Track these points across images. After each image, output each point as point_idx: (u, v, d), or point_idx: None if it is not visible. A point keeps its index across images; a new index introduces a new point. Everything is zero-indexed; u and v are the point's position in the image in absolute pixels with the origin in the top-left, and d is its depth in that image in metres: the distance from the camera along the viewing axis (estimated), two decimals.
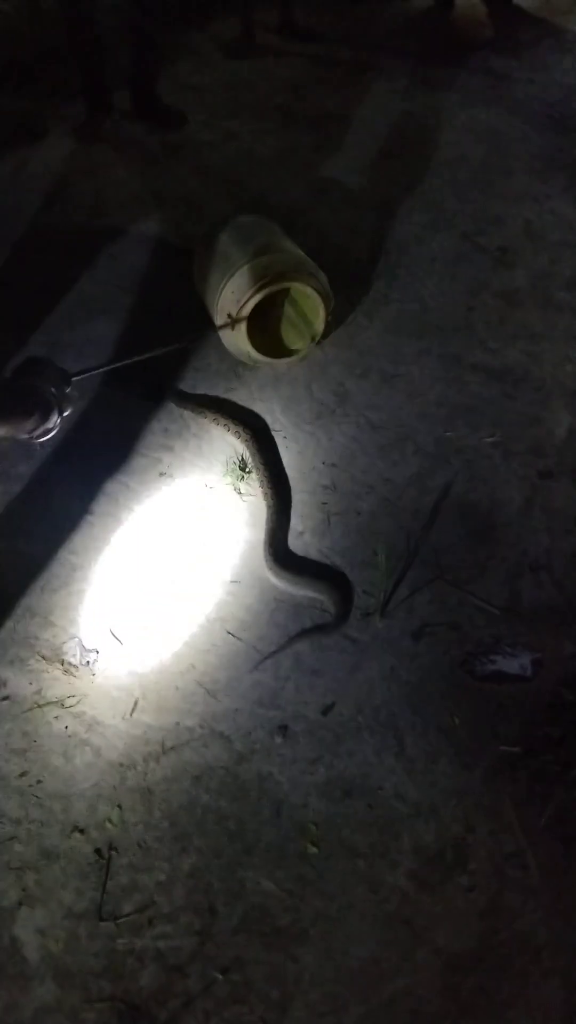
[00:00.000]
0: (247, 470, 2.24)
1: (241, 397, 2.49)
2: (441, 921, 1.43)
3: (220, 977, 1.39)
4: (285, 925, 1.44)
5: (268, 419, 2.40)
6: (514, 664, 1.78)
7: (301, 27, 4.66)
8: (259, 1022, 1.34)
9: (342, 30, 4.71)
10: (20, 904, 1.50)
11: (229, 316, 2.42)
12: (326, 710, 1.74)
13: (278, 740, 1.70)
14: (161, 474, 2.29)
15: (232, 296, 2.41)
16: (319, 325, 2.51)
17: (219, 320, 2.49)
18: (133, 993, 1.39)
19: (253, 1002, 1.36)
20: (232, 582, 2.00)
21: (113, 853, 1.55)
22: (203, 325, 2.54)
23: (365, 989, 1.37)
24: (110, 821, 1.60)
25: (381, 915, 1.45)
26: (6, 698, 1.82)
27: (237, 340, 2.47)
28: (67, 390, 1.58)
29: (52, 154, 3.79)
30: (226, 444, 2.33)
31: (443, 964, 1.39)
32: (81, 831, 1.59)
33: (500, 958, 1.40)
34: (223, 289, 2.45)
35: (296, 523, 2.12)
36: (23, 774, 1.68)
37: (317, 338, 2.53)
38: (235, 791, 1.62)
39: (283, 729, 1.71)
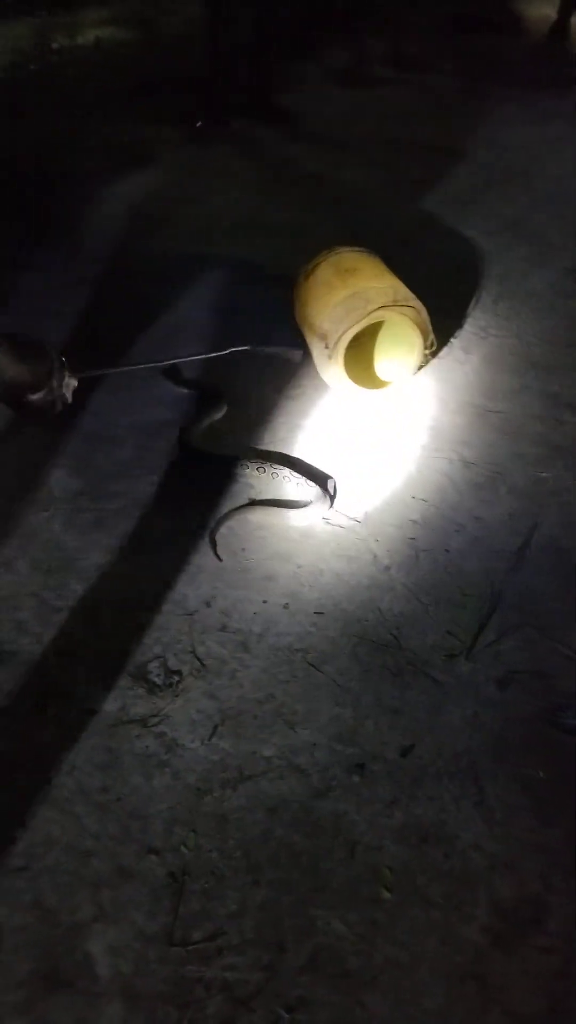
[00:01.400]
0: (334, 497, 2.25)
1: (333, 426, 2.50)
2: (514, 980, 1.39)
3: (286, 1016, 1.38)
4: (354, 969, 1.43)
5: (359, 450, 2.40)
6: None
7: (411, 58, 4.69)
8: None
9: (453, 61, 4.72)
10: (94, 920, 1.53)
11: (326, 345, 2.45)
12: (405, 751, 1.72)
13: (355, 779, 1.69)
14: (251, 501, 2.32)
15: (331, 326, 2.44)
16: (416, 358, 2.50)
17: (316, 349, 2.51)
18: (199, 1022, 1.39)
19: None
20: (316, 613, 2.01)
21: (186, 878, 1.56)
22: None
23: None
24: (185, 846, 1.61)
25: (453, 968, 1.41)
26: (92, 712, 1.86)
27: (333, 370, 2.49)
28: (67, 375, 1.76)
29: (160, 180, 3.91)
30: (315, 472, 2.34)
31: None
32: (156, 853, 1.61)
33: None
34: (322, 318, 2.48)
35: (383, 556, 2.11)
36: (104, 789, 1.72)
37: (413, 371, 2.53)
38: (309, 827, 1.62)
39: (360, 768, 1.70)
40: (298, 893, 1.53)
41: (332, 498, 2.20)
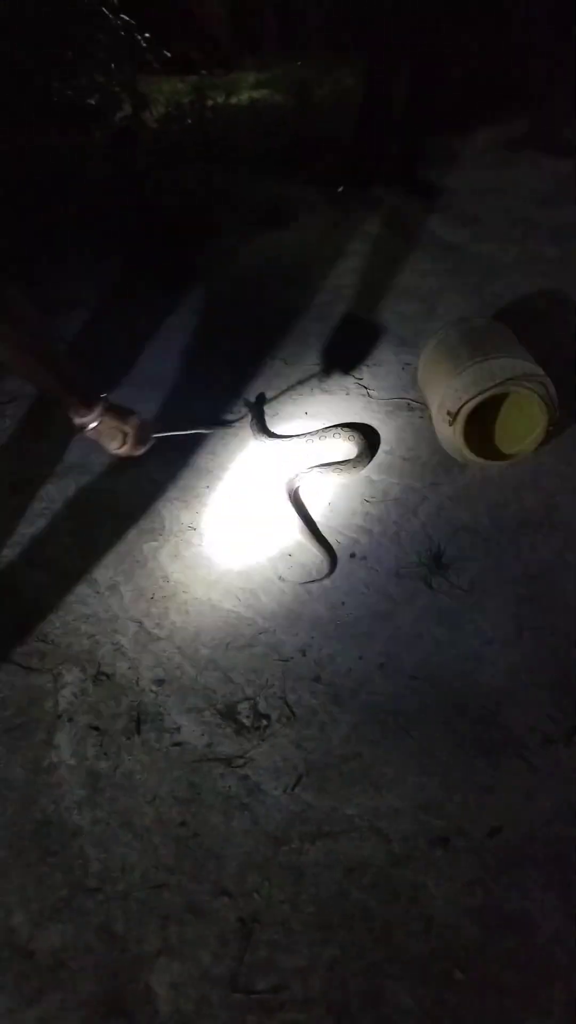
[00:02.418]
0: (440, 563, 2.24)
1: (445, 492, 2.49)
2: None
3: None
4: None
5: (470, 519, 2.38)
6: None
7: (557, 141, 4.75)
8: None
9: None
10: (159, 953, 1.53)
11: (449, 413, 2.46)
12: (493, 832, 1.67)
13: (438, 852, 1.64)
14: (352, 555, 2.32)
15: (455, 394, 2.45)
16: (539, 434, 2.48)
17: (438, 416, 2.53)
18: None
19: None
20: (411, 677, 1.99)
21: (256, 925, 1.55)
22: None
23: None
24: (258, 893, 1.60)
25: None
26: (178, 744, 1.88)
27: (453, 437, 2.49)
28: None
29: (299, 238, 4.05)
30: (424, 535, 2.34)
31: None
32: (228, 895, 1.60)
33: None
34: (447, 386, 2.49)
35: (487, 628, 2.08)
36: (183, 824, 1.73)
37: (534, 446, 2.51)
38: (386, 894, 1.58)
39: (444, 841, 1.66)
40: (368, 959, 1.49)
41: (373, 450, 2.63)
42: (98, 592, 2.31)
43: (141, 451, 2.27)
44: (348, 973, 1.48)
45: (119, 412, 2.14)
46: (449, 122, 4.99)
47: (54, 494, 2.66)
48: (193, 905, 1.59)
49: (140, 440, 2.23)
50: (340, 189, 4.45)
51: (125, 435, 2.16)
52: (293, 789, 1.77)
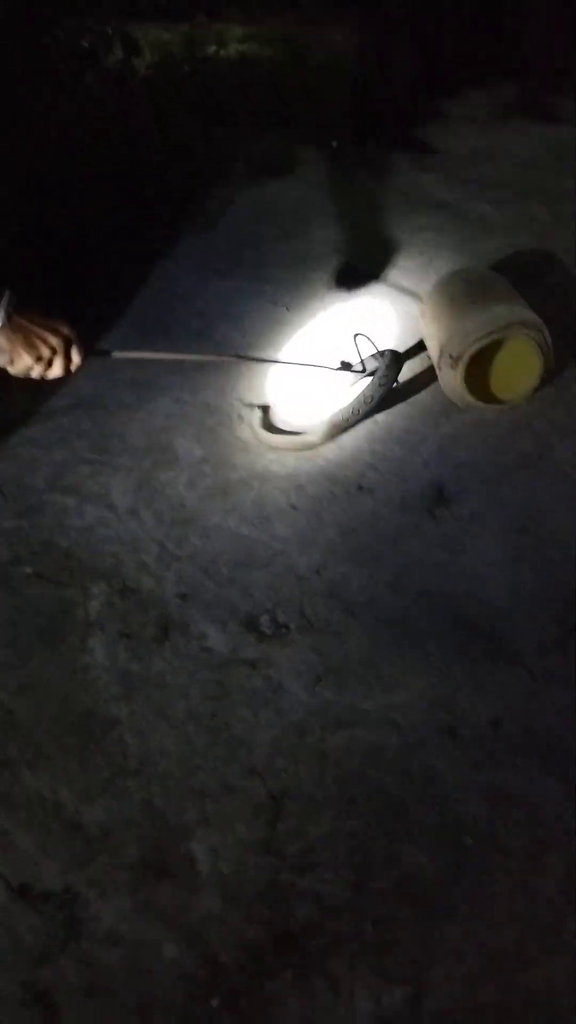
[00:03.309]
0: (443, 496, 2.40)
1: (446, 433, 2.65)
2: None
3: (371, 928, 1.52)
4: (435, 899, 1.56)
5: (469, 458, 2.54)
6: None
7: (547, 107, 4.87)
8: (400, 976, 1.46)
9: None
10: (198, 824, 1.69)
11: (451, 358, 2.61)
12: (494, 723, 1.85)
13: (446, 740, 1.82)
14: (360, 488, 2.48)
15: (458, 339, 2.59)
16: (535, 381, 2.65)
17: (440, 362, 2.67)
18: (289, 922, 1.54)
19: (398, 958, 1.48)
20: (419, 595, 2.15)
21: (285, 799, 1.72)
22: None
23: (503, 972, 1.46)
24: (285, 772, 1.77)
25: (526, 913, 1.53)
26: (205, 650, 2.03)
27: (454, 382, 2.64)
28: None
29: (295, 193, 4.15)
30: (427, 471, 2.49)
31: None
32: (259, 775, 1.77)
33: None
34: (449, 333, 2.64)
35: (487, 552, 2.24)
36: (213, 716, 1.88)
37: (530, 392, 2.67)
38: (401, 775, 1.76)
39: (452, 731, 1.84)
40: (387, 828, 1.67)
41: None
42: (119, 517, 2.43)
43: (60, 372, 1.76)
44: (370, 840, 1.66)
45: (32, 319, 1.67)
46: (443, 85, 5.08)
47: (68, 425, 2.77)
48: (227, 784, 1.75)
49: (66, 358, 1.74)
50: (334, 144, 4.53)
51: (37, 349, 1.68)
52: (314, 688, 1.93)
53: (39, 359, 1.67)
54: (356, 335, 2.81)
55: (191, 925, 1.54)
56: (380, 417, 2.73)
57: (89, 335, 1.81)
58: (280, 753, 1.81)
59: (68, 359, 1.73)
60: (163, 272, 3.59)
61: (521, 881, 1.58)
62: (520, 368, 2.72)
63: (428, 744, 1.81)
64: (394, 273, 3.43)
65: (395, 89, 4.73)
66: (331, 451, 2.60)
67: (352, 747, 1.81)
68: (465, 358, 2.57)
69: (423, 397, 2.80)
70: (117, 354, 2.06)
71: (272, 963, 1.49)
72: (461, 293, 2.75)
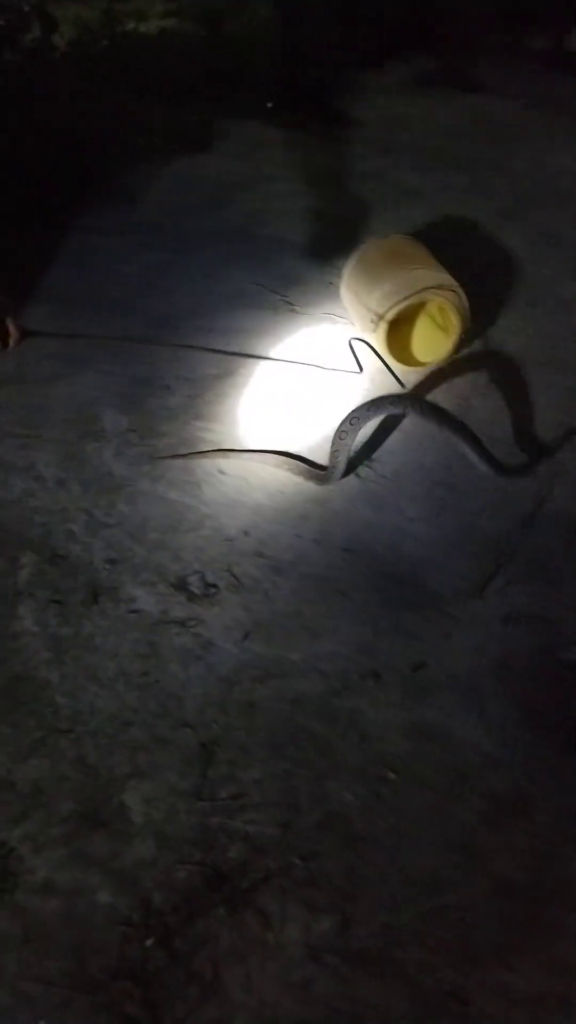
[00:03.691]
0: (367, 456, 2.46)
1: (372, 394, 2.71)
2: (500, 853, 1.59)
3: (299, 863, 1.58)
4: (360, 831, 1.62)
5: (392, 419, 2.60)
6: None
7: (469, 79, 4.95)
8: (328, 906, 1.52)
9: (513, 85, 4.96)
10: (131, 776, 1.73)
11: (372, 321, 2.66)
12: (416, 667, 1.92)
13: (370, 683, 1.89)
14: (288, 452, 2.52)
15: (378, 301, 2.65)
16: (453, 342, 2.72)
17: (361, 325, 2.73)
18: (220, 863, 1.58)
19: (325, 888, 1.54)
20: (344, 550, 2.21)
21: (216, 748, 1.76)
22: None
23: (424, 895, 1.54)
24: (216, 723, 1.81)
25: (446, 839, 1.61)
26: (135, 612, 2.06)
27: (375, 345, 2.70)
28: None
29: (218, 165, 4.16)
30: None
31: (496, 888, 1.54)
32: (190, 727, 1.81)
33: (549, 894, 1.54)
34: (370, 296, 2.69)
35: (408, 508, 2.31)
36: (144, 674, 1.92)
37: (448, 354, 2.75)
38: (327, 718, 1.82)
39: (376, 675, 1.90)
40: (314, 768, 1.73)
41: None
42: (46, 488, 2.43)
43: None
44: (298, 780, 1.71)
45: None
46: (363, 58, 5.12)
47: None
48: (158, 736, 1.79)
49: None
50: (269, 105, 4.54)
51: None
52: (243, 642, 1.98)
53: None
54: (352, 339, 2.79)
55: (125, 871, 1.58)
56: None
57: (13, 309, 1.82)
58: (210, 705, 1.85)
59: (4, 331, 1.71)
60: (88, 245, 3.57)
61: (441, 809, 1.66)
62: (438, 332, 2.79)
63: (353, 689, 1.88)
64: (316, 242, 3.47)
65: (316, 61, 4.75)
66: (254, 414, 2.64)
67: (280, 696, 1.86)
68: (387, 318, 2.62)
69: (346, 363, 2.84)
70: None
71: (205, 902, 1.53)
72: (380, 260, 2.80)
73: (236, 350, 2.91)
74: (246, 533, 2.27)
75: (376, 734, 1.78)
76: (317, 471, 2.42)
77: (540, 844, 1.61)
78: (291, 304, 3.18)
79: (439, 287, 2.63)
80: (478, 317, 2.77)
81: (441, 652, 1.95)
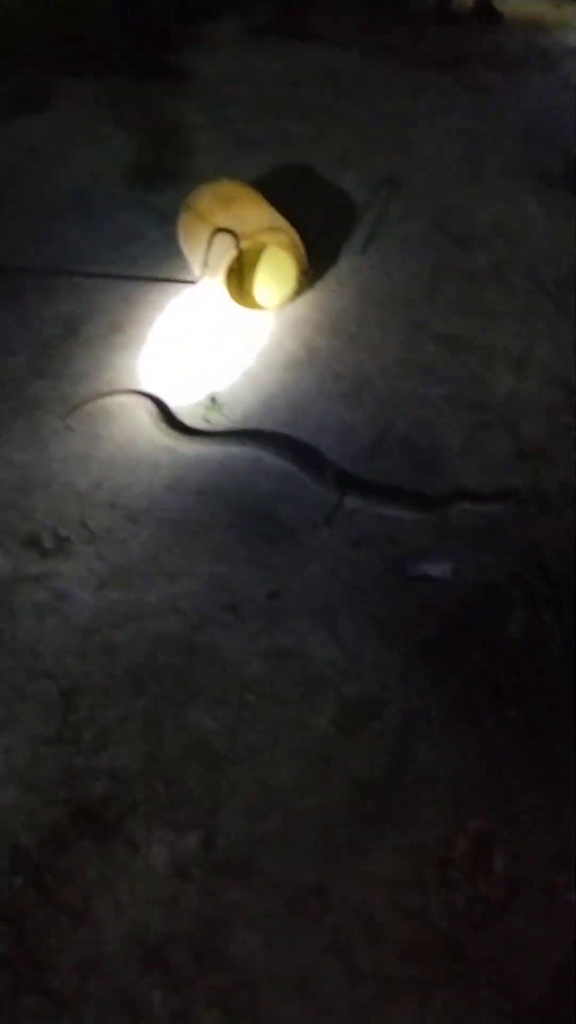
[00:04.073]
0: (216, 402, 2.49)
1: (218, 344, 2.73)
2: (354, 755, 1.68)
3: (162, 788, 1.62)
4: (221, 753, 1.68)
5: (242, 365, 2.64)
6: (437, 569, 2.04)
7: (305, 29, 4.97)
8: (192, 823, 1.57)
9: (347, 35, 5.00)
10: None
11: (206, 264, 2.68)
12: (272, 595, 1.98)
13: (228, 616, 1.94)
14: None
15: (213, 251, 2.66)
16: (293, 284, 2.77)
17: (201, 273, 2.74)
18: (86, 799, 1.61)
19: (188, 808, 1.60)
20: (198, 493, 2.24)
21: (76, 694, 1.78)
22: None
23: (284, 803, 1.61)
24: (75, 671, 1.82)
25: (303, 749, 1.69)
26: None
27: (215, 290, 2.72)
28: None
29: (54, 124, 4.05)
30: (202, 381, 2.57)
31: (351, 787, 1.63)
32: (49, 676, 1.82)
33: (400, 787, 1.64)
34: (206, 245, 2.70)
35: (251, 457, 2.36)
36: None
37: (290, 296, 2.79)
38: (187, 653, 1.86)
39: (233, 608, 1.95)
40: (175, 700, 1.77)
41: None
42: None
43: None
44: (160, 715, 1.75)
45: None
46: (196, 9, 5.06)
47: None
48: (16, 688, 1.79)
49: None
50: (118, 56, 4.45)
51: None
52: (100, 591, 1.99)
53: None
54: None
55: None
56: (156, 338, 2.77)
57: None
58: (68, 654, 1.86)
59: None
60: None
61: (298, 722, 1.73)
62: (279, 276, 2.83)
63: (210, 622, 1.92)
64: (155, 196, 3.44)
65: (150, 15, 4.67)
66: (105, 372, 2.62)
67: (139, 637, 1.89)
68: (223, 266, 2.64)
69: (192, 314, 2.85)
70: None
71: (71, 836, 1.56)
72: (211, 208, 2.80)
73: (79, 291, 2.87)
74: (98, 486, 2.27)
75: (235, 662, 1.84)
76: (174, 426, 2.43)
77: (391, 743, 1.70)
78: (135, 259, 3.16)
79: (271, 229, 2.66)
80: (320, 260, 2.82)
81: (295, 579, 2.02)
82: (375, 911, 1.50)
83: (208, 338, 2.75)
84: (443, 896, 1.53)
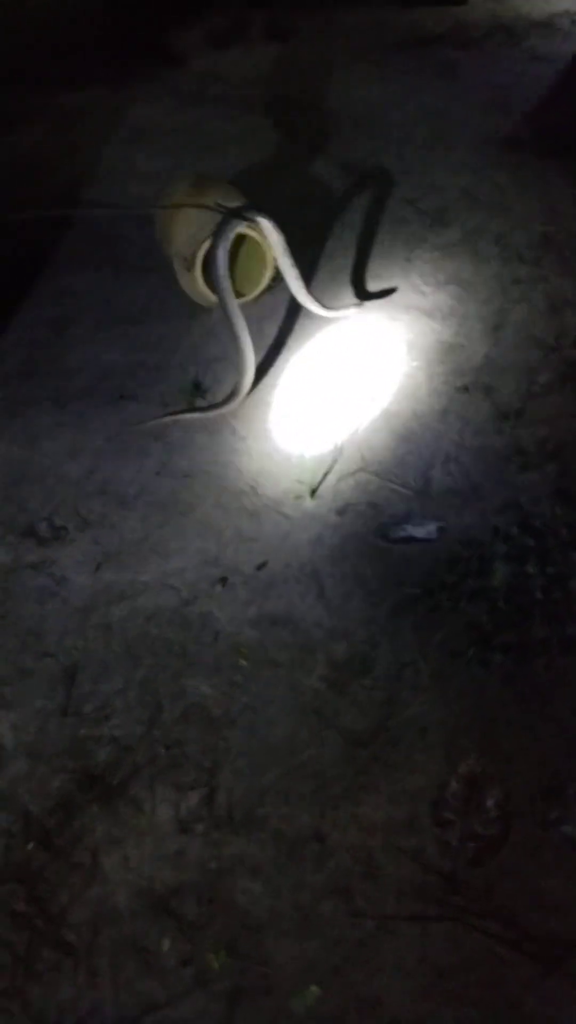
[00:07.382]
0: (200, 388, 2.56)
1: (198, 332, 2.80)
2: (346, 709, 1.74)
3: (163, 752, 1.69)
4: (218, 715, 1.75)
5: (220, 352, 2.71)
6: (421, 530, 2.10)
7: (275, 27, 5.04)
8: (194, 783, 1.65)
9: (314, 26, 5.06)
10: None
11: (184, 259, 2.74)
12: (260, 566, 2.05)
13: (218, 589, 2.01)
14: (122, 397, 2.59)
15: (188, 241, 2.73)
16: (270, 271, 2.83)
17: (177, 266, 2.81)
18: (91, 767, 1.69)
19: (189, 769, 1.67)
20: (184, 476, 2.31)
21: (78, 669, 1.85)
22: None
23: (281, 758, 1.68)
24: (76, 649, 1.90)
25: (297, 706, 1.75)
26: None
27: (193, 283, 2.79)
28: None
29: (33, 138, 4.14)
30: (184, 369, 2.64)
31: (345, 740, 1.70)
32: (51, 656, 1.89)
33: (392, 736, 1.70)
34: (180, 238, 2.77)
35: (241, 429, 2.43)
36: (2, 616, 1.98)
37: (267, 283, 2.86)
38: (181, 625, 1.93)
39: (223, 580, 2.02)
40: (171, 670, 1.84)
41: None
42: None
43: None
44: (158, 684, 1.83)
45: None
46: (176, 9, 5.16)
47: None
48: (20, 668, 1.87)
49: None
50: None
51: None
52: (96, 573, 2.07)
53: None
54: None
55: (2, 791, 1.66)
56: (131, 329, 2.84)
57: None
58: (69, 634, 1.94)
59: None
60: None
61: (290, 682, 1.80)
62: (256, 266, 2.89)
63: (203, 596, 2.00)
64: (134, 200, 3.52)
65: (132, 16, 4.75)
66: (89, 365, 2.70)
67: (135, 614, 1.97)
68: (198, 257, 2.71)
69: (170, 305, 2.92)
70: None
71: (79, 801, 1.64)
72: (186, 199, 2.87)
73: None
74: (89, 474, 2.34)
75: (227, 630, 1.91)
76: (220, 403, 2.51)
77: (380, 695, 1.77)
78: (111, 258, 3.23)
79: (242, 220, 2.72)
80: (299, 246, 2.88)
81: (281, 550, 2.09)
82: (372, 853, 1.56)
83: (190, 329, 2.81)
84: (438, 835, 1.59)
